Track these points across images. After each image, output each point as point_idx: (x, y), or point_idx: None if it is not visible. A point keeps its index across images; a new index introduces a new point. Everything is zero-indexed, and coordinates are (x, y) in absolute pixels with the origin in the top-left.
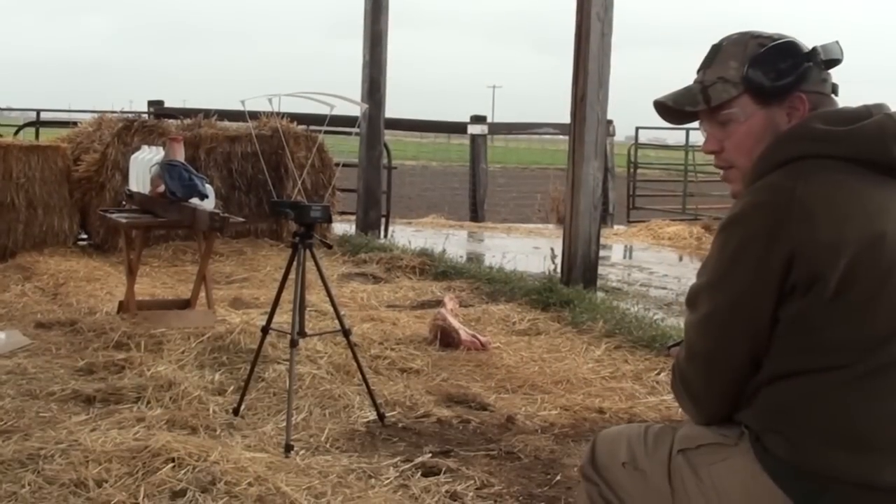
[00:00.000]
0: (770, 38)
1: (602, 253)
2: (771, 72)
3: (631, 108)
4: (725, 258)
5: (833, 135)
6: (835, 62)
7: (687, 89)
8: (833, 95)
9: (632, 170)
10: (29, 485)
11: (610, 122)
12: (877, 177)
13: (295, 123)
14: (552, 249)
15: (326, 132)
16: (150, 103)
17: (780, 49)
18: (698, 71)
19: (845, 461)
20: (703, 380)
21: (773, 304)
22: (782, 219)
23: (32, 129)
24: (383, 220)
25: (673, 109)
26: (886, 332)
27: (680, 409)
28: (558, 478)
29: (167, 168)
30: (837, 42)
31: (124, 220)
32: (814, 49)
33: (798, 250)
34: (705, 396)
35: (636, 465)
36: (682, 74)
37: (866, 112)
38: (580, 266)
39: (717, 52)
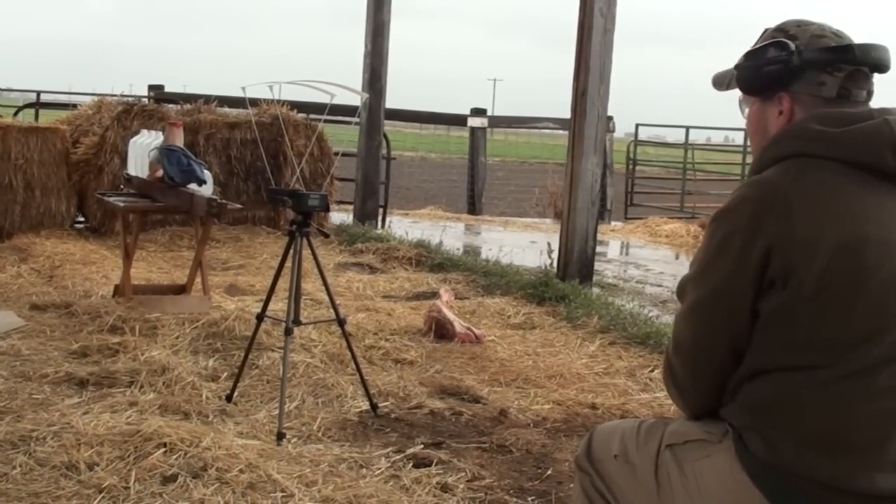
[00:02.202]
0: (783, 32)
1: (598, 249)
2: (747, 69)
3: (631, 105)
4: (711, 250)
5: (826, 136)
6: (876, 66)
7: (728, 70)
8: (842, 99)
9: (630, 166)
10: (20, 466)
11: (610, 118)
12: (871, 180)
13: (295, 111)
14: (549, 244)
15: (326, 121)
16: (151, 87)
17: (763, 49)
18: None
19: (819, 463)
20: (687, 371)
21: (751, 297)
22: (764, 214)
23: (32, 111)
24: (381, 210)
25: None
26: (864, 333)
27: (673, 406)
28: (549, 472)
29: (166, 153)
30: (866, 44)
31: (122, 204)
32: (792, 52)
33: (775, 245)
34: (690, 388)
35: (627, 458)
36: (685, 73)
37: (867, 115)
38: (576, 261)
39: (759, 37)
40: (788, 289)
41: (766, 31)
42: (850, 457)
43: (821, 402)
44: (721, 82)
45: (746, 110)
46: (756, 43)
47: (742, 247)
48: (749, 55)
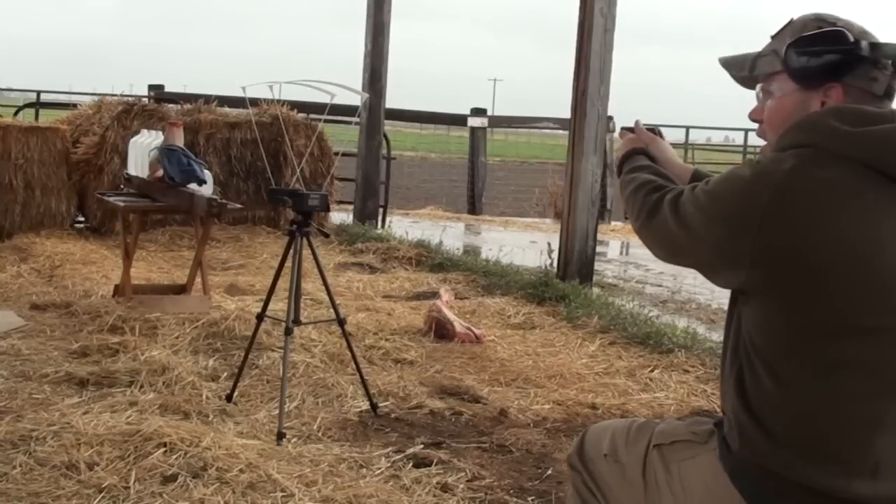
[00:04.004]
0: (831, 23)
1: (599, 249)
2: (805, 55)
3: (632, 105)
4: (706, 204)
5: (839, 133)
6: None
7: (744, 55)
8: (886, 98)
9: None
10: (20, 466)
11: (610, 118)
12: (882, 182)
13: (295, 111)
14: (549, 244)
15: (326, 121)
16: (151, 87)
17: (824, 35)
18: (770, 38)
19: (797, 465)
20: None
21: (726, 274)
22: (755, 195)
23: (32, 110)
24: (381, 210)
25: (725, 69)
26: (834, 329)
27: (673, 407)
28: (549, 472)
29: (166, 153)
30: None
31: (122, 204)
32: (857, 42)
33: (758, 233)
34: (638, 230)
35: (616, 457)
36: (685, 73)
37: (889, 117)
38: (576, 261)
39: (786, 25)
40: (757, 273)
41: (792, 21)
42: (829, 461)
43: (796, 403)
44: (741, 66)
45: (770, 99)
46: (801, 32)
47: (723, 217)
48: (805, 41)
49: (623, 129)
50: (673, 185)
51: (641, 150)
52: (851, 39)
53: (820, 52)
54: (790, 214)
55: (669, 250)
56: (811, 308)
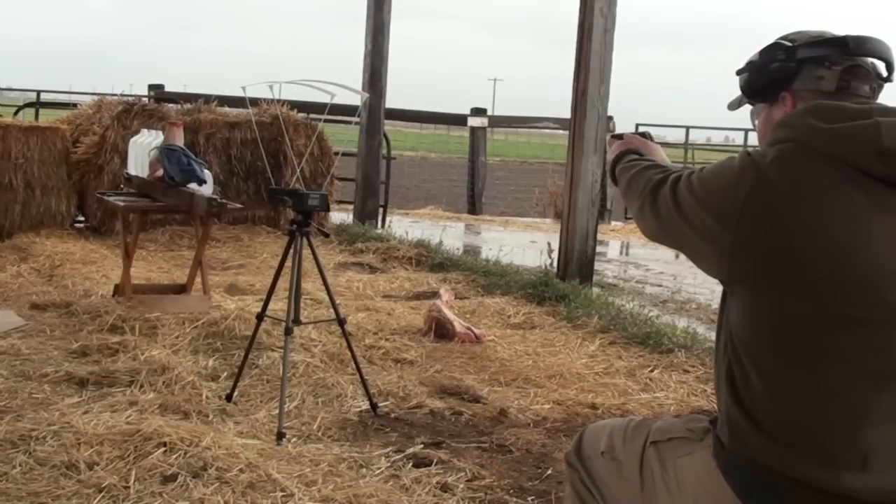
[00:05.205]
0: (784, 38)
1: (598, 249)
2: (751, 72)
3: (632, 105)
4: (698, 191)
5: (815, 130)
6: (875, 58)
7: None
8: (841, 92)
9: None
10: (20, 465)
11: (610, 118)
12: (859, 178)
13: (295, 111)
14: (549, 244)
15: (326, 121)
16: (151, 87)
17: (766, 50)
18: None
19: (787, 459)
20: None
21: (711, 258)
22: (738, 186)
23: (32, 110)
24: (381, 210)
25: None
26: (817, 321)
27: (672, 407)
28: (549, 472)
29: (166, 152)
30: (854, 37)
31: (122, 204)
32: (789, 49)
33: (741, 220)
34: (639, 207)
35: (613, 454)
36: (685, 73)
37: (865, 113)
38: (576, 261)
39: None
40: (741, 264)
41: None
42: (818, 454)
43: (783, 396)
44: (734, 103)
45: (757, 121)
46: None
47: (710, 209)
48: (749, 63)
49: (612, 136)
50: (675, 170)
51: (634, 150)
52: (787, 47)
53: (758, 69)
54: (770, 206)
55: (666, 229)
56: (793, 300)
